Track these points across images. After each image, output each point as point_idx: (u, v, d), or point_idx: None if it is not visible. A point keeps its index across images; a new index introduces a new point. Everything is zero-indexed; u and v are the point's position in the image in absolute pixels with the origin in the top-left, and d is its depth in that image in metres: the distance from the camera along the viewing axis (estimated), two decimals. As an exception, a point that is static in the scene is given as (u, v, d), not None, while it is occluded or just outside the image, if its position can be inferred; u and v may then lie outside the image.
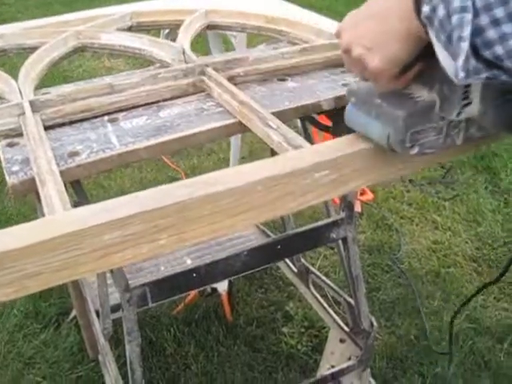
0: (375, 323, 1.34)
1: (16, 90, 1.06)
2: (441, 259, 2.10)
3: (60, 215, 0.67)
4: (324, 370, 1.38)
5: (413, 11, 0.61)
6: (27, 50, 1.37)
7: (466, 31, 0.54)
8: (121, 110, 1.01)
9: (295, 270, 1.66)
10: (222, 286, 1.78)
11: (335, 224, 1.18)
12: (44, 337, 1.76)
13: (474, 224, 2.28)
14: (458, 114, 0.70)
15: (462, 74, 0.56)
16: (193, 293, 1.78)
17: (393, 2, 0.65)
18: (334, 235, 1.19)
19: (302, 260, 1.61)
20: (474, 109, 0.70)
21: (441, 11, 0.56)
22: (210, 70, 1.06)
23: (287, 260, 1.69)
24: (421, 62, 0.68)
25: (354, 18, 0.71)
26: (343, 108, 0.99)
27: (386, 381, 1.59)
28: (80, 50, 1.34)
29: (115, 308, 1.35)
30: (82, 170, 0.87)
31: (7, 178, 0.84)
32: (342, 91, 1.05)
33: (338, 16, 1.53)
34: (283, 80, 1.12)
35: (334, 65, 1.17)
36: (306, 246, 1.19)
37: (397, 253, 2.13)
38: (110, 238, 0.64)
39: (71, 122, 0.98)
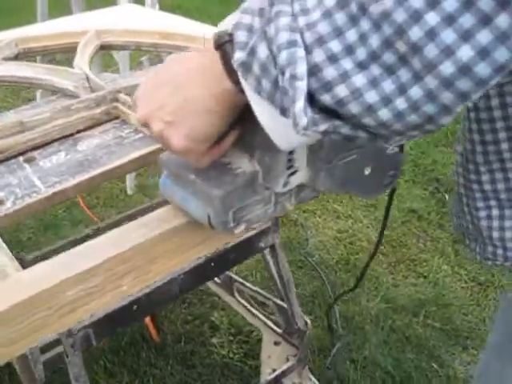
0: (309, 321, 1.37)
1: None
2: (347, 247, 2.19)
3: (15, 278, 0.63)
4: (266, 375, 1.39)
5: (221, 70, 0.51)
6: None
7: (301, 67, 0.43)
8: (35, 148, 0.97)
9: (218, 280, 1.66)
10: (144, 308, 1.74)
11: (263, 233, 1.20)
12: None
13: (372, 209, 2.40)
14: (285, 184, 0.63)
15: (304, 121, 0.45)
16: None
17: (195, 62, 0.55)
18: (262, 244, 1.20)
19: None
20: (301, 176, 0.64)
21: (262, 52, 0.45)
22: (122, 95, 1.04)
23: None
24: (239, 125, 0.59)
25: (151, 83, 0.59)
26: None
27: (321, 373, 1.64)
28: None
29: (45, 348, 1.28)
30: (8, 220, 0.82)
31: None
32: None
33: (213, 18, 1.54)
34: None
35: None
36: (238, 259, 1.20)
37: (306, 247, 2.19)
38: (72, 293, 0.61)
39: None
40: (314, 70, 0.43)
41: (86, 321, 0.99)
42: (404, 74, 0.41)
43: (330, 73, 0.43)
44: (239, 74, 0.48)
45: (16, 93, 3.42)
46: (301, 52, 0.43)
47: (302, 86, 0.43)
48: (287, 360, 1.43)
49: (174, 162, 0.65)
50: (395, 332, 1.80)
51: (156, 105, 0.56)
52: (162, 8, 2.27)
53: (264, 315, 1.55)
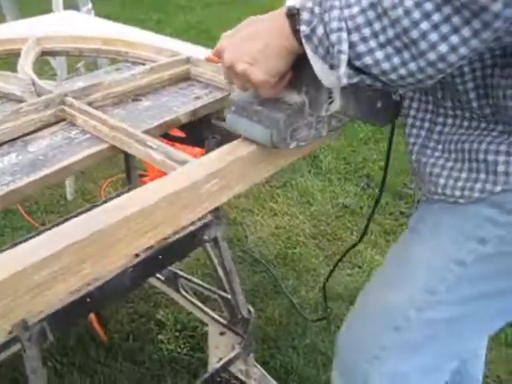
0: (252, 310, 1.45)
1: None
2: (285, 242, 2.29)
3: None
4: (213, 364, 1.46)
5: (289, 31, 0.74)
6: None
7: (345, 46, 0.69)
8: (-15, 150, 1.00)
9: (162, 277, 1.72)
10: (89, 309, 1.78)
11: (206, 226, 1.27)
12: None
13: (307, 205, 2.51)
14: (326, 110, 0.85)
15: (344, 80, 0.72)
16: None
17: (269, 23, 0.78)
18: (206, 237, 1.28)
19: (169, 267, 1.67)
20: (337, 104, 0.86)
21: (320, 30, 0.70)
22: (69, 98, 1.08)
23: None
24: (290, 70, 0.81)
25: (233, 38, 0.81)
26: (198, 120, 1.12)
27: (265, 362, 1.72)
28: None
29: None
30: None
31: None
32: (197, 104, 1.14)
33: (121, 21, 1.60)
34: (138, 100, 1.18)
35: (181, 79, 1.25)
36: (184, 251, 1.26)
37: (245, 244, 2.27)
38: (39, 277, 0.66)
39: None
40: (352, 46, 0.69)
41: (41, 314, 1.04)
42: (405, 54, 0.67)
43: (361, 48, 0.69)
44: (302, 39, 0.72)
45: None
46: (345, 35, 0.68)
47: (344, 58, 0.69)
48: (233, 348, 1.50)
49: (242, 99, 0.87)
50: (334, 319, 1.90)
51: (241, 51, 0.79)
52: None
53: (209, 308, 1.62)
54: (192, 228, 1.27)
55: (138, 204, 0.75)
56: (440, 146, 0.91)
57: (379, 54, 0.68)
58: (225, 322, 1.54)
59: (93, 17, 2.15)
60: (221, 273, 1.41)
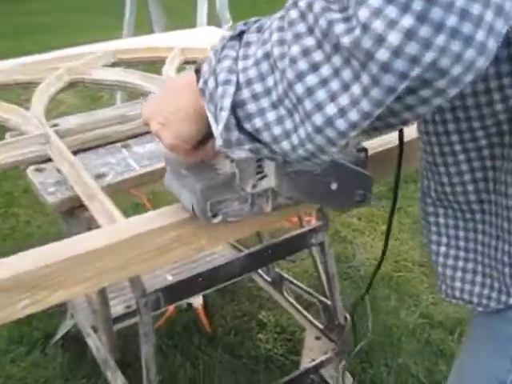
0: (349, 317, 1.51)
1: (32, 122, 1.18)
2: (392, 265, 2.31)
3: (124, 223, 0.81)
4: (306, 363, 1.54)
5: (197, 88, 0.63)
6: (21, 85, 1.50)
7: (227, 102, 0.57)
8: (131, 137, 1.16)
9: (269, 279, 1.82)
10: (198, 301, 1.93)
11: (314, 231, 1.36)
12: (32, 359, 1.84)
13: (418, 233, 2.51)
14: (254, 186, 0.75)
15: (219, 142, 0.60)
16: (171, 308, 1.91)
17: (183, 81, 0.69)
18: (313, 240, 1.36)
19: (277, 269, 1.77)
20: (269, 181, 0.75)
21: (211, 83, 0.59)
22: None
23: (260, 271, 1.86)
24: None
25: (156, 95, 0.78)
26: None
27: (356, 373, 1.77)
28: (72, 85, 1.47)
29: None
30: (110, 189, 1.00)
31: (46, 198, 0.97)
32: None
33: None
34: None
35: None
36: (291, 250, 1.36)
37: (352, 262, 2.33)
38: (169, 237, 0.78)
39: (89, 149, 1.12)
40: (240, 104, 0.57)
41: (158, 285, 1.18)
42: (296, 117, 0.54)
43: (252, 107, 0.56)
44: (200, 93, 0.62)
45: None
46: (231, 89, 0.57)
47: (224, 115, 0.57)
48: (326, 353, 1.57)
49: (174, 160, 0.79)
50: (430, 345, 1.91)
51: (155, 110, 0.71)
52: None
53: (308, 312, 1.70)
54: (301, 231, 1.36)
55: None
56: (445, 240, 0.80)
57: (270, 116, 0.56)
58: (321, 327, 1.61)
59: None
60: (323, 278, 1.49)
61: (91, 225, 0.92)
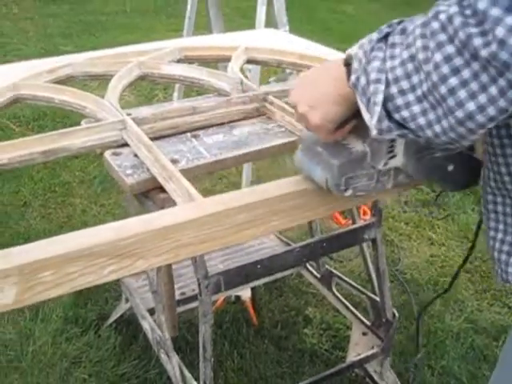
0: (397, 314, 1.55)
1: (108, 110, 1.26)
2: (438, 270, 2.34)
3: (201, 201, 0.88)
4: (351, 357, 1.58)
5: (345, 79, 0.76)
6: (92, 77, 1.59)
7: (379, 98, 0.69)
8: (200, 128, 1.23)
9: (318, 275, 1.87)
10: (246, 294, 1.99)
11: (368, 227, 1.40)
12: (86, 339, 1.93)
13: (464, 240, 2.53)
14: (385, 164, 0.86)
15: (374, 132, 0.73)
16: (221, 299, 1.98)
17: (330, 70, 0.81)
18: (366, 236, 1.41)
19: (326, 265, 1.82)
20: (398, 161, 0.86)
21: (363, 80, 0.71)
22: (271, 97, 1.28)
23: (310, 267, 1.91)
24: (357, 118, 0.80)
25: (301, 80, 0.87)
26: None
27: (400, 373, 1.80)
28: (141, 78, 1.55)
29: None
30: (182, 174, 1.07)
31: (124, 179, 1.05)
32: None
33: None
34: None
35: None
36: (344, 245, 1.41)
37: (398, 265, 2.36)
38: (242, 218, 0.85)
39: (161, 137, 1.20)
40: (391, 98, 0.68)
41: (219, 269, 1.24)
42: (439, 111, 0.65)
43: (399, 101, 0.68)
44: (352, 88, 0.74)
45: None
46: (382, 87, 0.68)
47: (377, 109, 0.70)
48: (372, 349, 1.61)
49: (309, 139, 0.89)
50: (474, 350, 1.92)
51: (304, 94, 0.83)
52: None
53: (355, 308, 1.75)
54: (355, 226, 1.41)
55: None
56: (502, 227, 0.85)
57: (416, 108, 0.67)
58: (368, 323, 1.65)
59: (291, 34, 2.39)
60: (373, 274, 1.53)
61: (165, 206, 0.99)
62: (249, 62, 1.70)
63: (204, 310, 1.23)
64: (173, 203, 0.95)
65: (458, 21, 0.59)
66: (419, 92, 0.66)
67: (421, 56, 0.64)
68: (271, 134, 1.21)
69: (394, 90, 0.68)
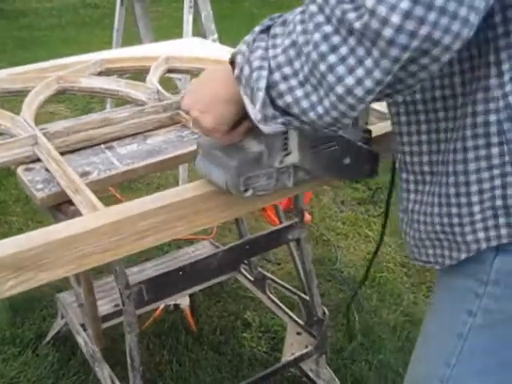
0: (327, 312, 1.58)
1: (21, 126, 1.25)
2: (375, 266, 2.38)
3: (103, 211, 0.88)
4: (286, 357, 1.60)
5: (232, 77, 0.76)
6: (11, 94, 1.57)
7: (262, 84, 0.70)
8: (114, 139, 1.23)
9: (252, 278, 1.89)
10: (185, 302, 1.99)
11: (291, 227, 1.43)
12: (23, 359, 1.89)
13: (399, 236, 2.59)
14: (281, 162, 0.87)
15: (258, 116, 0.73)
16: (159, 309, 1.97)
17: (218, 72, 0.83)
18: (290, 236, 1.44)
19: (259, 268, 1.84)
20: (294, 157, 0.88)
21: (246, 70, 0.72)
22: (185, 104, 1.30)
23: (244, 271, 1.93)
24: (249, 118, 0.79)
25: (193, 85, 0.88)
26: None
27: (337, 369, 1.83)
28: (60, 93, 1.55)
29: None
30: (94, 186, 1.07)
31: (35, 194, 1.04)
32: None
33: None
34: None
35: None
36: (269, 246, 1.43)
37: (336, 264, 2.40)
38: (143, 225, 0.86)
39: (75, 150, 1.19)
40: (274, 85, 0.70)
41: (141, 278, 1.24)
42: (321, 91, 0.67)
43: (282, 87, 0.70)
44: (237, 82, 0.75)
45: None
46: (264, 73, 0.70)
47: (260, 94, 0.70)
48: (306, 347, 1.63)
49: (207, 143, 0.90)
50: (410, 342, 1.97)
51: (195, 99, 0.83)
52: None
53: (289, 309, 1.77)
54: (279, 227, 1.43)
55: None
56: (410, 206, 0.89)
57: (299, 92, 0.68)
58: (302, 323, 1.68)
59: (217, 43, 2.41)
60: (301, 273, 1.56)
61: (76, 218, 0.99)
62: (170, 71, 1.71)
63: (128, 320, 1.23)
64: (81, 215, 0.95)
65: (333, 0, 0.62)
66: (301, 76, 0.68)
67: (301, 39, 0.66)
68: (185, 141, 1.22)
69: (276, 76, 0.69)
